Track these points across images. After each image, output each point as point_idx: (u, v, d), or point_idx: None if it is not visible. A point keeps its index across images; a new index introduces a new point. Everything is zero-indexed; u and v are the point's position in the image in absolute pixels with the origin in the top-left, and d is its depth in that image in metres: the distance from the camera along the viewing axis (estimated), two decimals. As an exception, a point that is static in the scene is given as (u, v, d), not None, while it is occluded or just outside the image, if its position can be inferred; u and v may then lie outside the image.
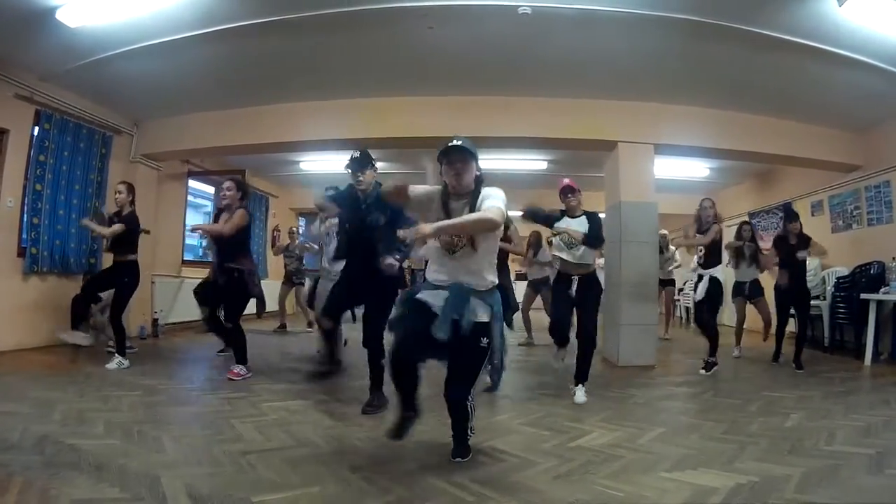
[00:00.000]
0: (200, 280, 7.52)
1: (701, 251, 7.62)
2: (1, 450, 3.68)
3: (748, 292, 9.04)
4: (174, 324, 10.71)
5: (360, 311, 5.41)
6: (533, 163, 11.92)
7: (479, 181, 3.57)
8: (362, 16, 6.08)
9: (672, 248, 11.60)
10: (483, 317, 3.47)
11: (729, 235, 9.02)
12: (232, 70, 7.72)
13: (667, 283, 11.47)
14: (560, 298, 5.99)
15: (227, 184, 6.71)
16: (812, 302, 8.81)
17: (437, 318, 3.34)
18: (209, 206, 13.38)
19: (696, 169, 12.52)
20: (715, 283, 7.43)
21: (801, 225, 7.94)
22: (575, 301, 5.83)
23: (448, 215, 3.46)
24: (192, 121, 9.54)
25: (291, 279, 11.58)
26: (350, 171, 5.24)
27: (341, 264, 5.66)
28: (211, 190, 12.99)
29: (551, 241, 6.42)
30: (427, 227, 3.22)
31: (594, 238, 5.82)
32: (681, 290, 15.37)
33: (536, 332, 10.18)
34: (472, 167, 3.52)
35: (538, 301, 10.28)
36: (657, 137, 8.70)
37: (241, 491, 3.16)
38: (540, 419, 4.95)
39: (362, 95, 8.44)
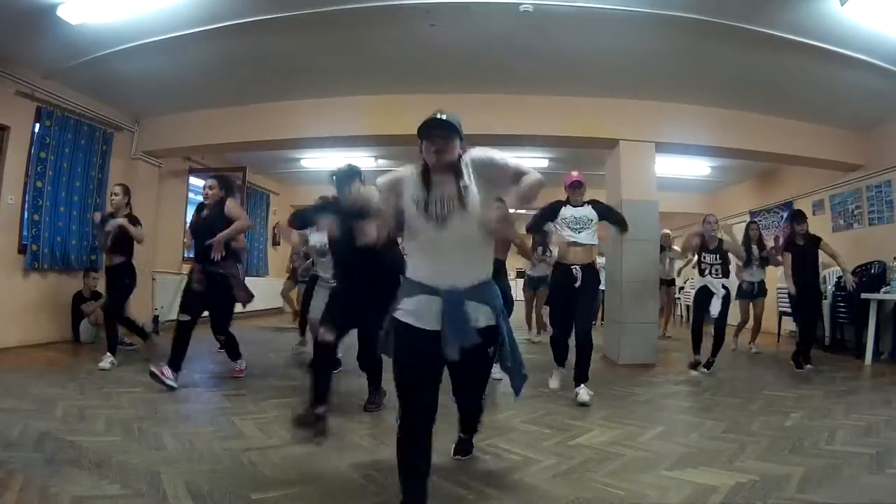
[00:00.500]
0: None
1: (711, 258, 7.52)
2: (1, 447, 3.69)
3: (755, 292, 9.13)
4: (175, 321, 10.70)
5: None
6: (534, 161, 11.85)
7: (461, 158, 3.00)
8: (364, 13, 6.07)
9: (675, 248, 11.58)
10: (486, 321, 2.92)
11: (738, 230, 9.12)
12: (233, 67, 7.72)
13: (668, 282, 11.46)
14: (559, 299, 6.00)
15: (210, 182, 6.29)
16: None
17: (436, 336, 2.79)
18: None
19: (698, 167, 12.48)
20: (728, 296, 7.45)
21: (807, 227, 7.83)
22: (573, 297, 5.81)
23: (429, 190, 2.89)
24: (193, 118, 9.55)
25: (296, 277, 11.47)
26: (336, 185, 4.79)
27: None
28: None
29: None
30: (497, 213, 2.78)
31: (611, 213, 6.22)
32: (681, 288, 15.38)
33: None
34: (456, 146, 2.93)
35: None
36: (658, 136, 8.71)
37: (241, 488, 3.16)
38: (541, 417, 4.95)
39: (364, 93, 8.44)
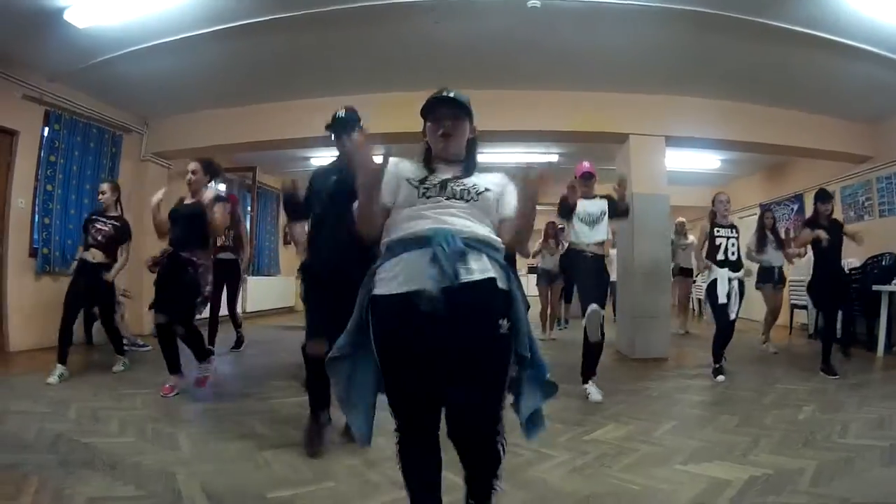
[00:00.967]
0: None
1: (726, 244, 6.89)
2: (16, 449, 3.71)
3: (777, 278, 8.83)
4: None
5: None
6: (544, 156, 11.87)
7: (473, 145, 2.63)
8: (370, 11, 6.07)
9: (691, 236, 11.55)
10: (491, 273, 2.22)
11: (745, 226, 9.02)
12: (241, 67, 7.74)
13: (686, 271, 11.40)
14: (580, 276, 5.92)
15: (192, 165, 5.83)
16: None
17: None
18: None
19: (708, 161, 12.48)
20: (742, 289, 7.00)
21: (832, 208, 7.30)
22: (592, 274, 5.78)
23: (429, 172, 2.44)
24: (201, 118, 9.58)
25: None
26: (333, 135, 4.32)
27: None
28: (222, 187, 13.00)
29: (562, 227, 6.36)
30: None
31: (620, 203, 6.01)
32: (693, 281, 15.32)
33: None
34: (466, 128, 2.56)
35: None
36: (668, 129, 8.71)
37: (255, 487, 3.18)
38: (554, 413, 4.93)
39: (371, 91, 8.42)
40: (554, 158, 11.80)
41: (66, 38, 6.58)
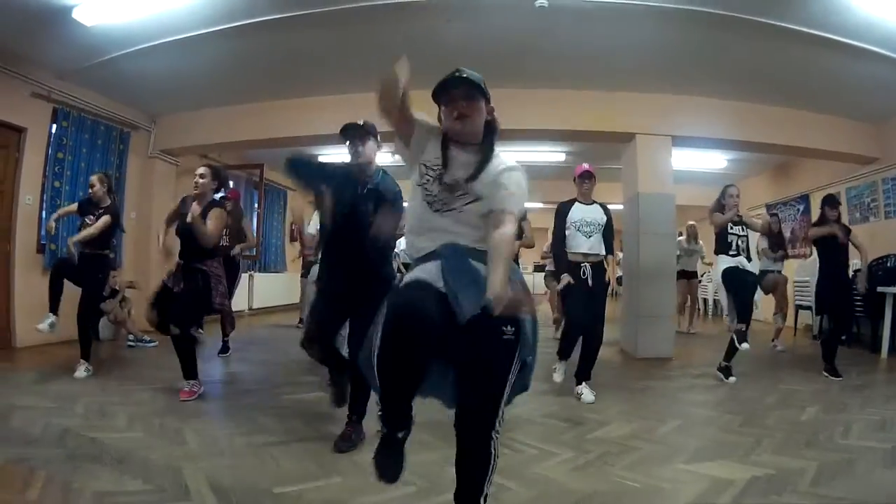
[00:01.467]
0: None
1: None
2: (24, 444, 3.74)
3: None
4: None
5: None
6: (551, 154, 11.91)
7: (492, 130, 2.53)
8: (379, 9, 6.08)
9: (701, 242, 11.57)
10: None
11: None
12: (249, 65, 7.76)
13: (691, 274, 11.42)
14: (575, 294, 5.81)
15: (201, 170, 5.64)
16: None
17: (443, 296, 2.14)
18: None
19: (714, 160, 12.43)
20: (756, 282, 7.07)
21: (839, 214, 7.33)
22: (587, 293, 5.71)
23: (445, 167, 2.43)
24: (209, 116, 9.61)
25: (309, 270, 11.11)
26: (347, 141, 4.13)
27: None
28: (230, 185, 13.05)
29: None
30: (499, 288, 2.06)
31: (609, 230, 5.87)
32: (699, 281, 15.36)
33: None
34: (482, 109, 2.45)
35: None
36: (675, 129, 8.70)
37: (263, 482, 3.21)
38: (558, 411, 4.98)
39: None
40: (561, 157, 11.82)
41: (74, 35, 6.61)
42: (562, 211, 5.92)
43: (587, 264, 5.71)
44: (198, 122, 9.75)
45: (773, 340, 9.10)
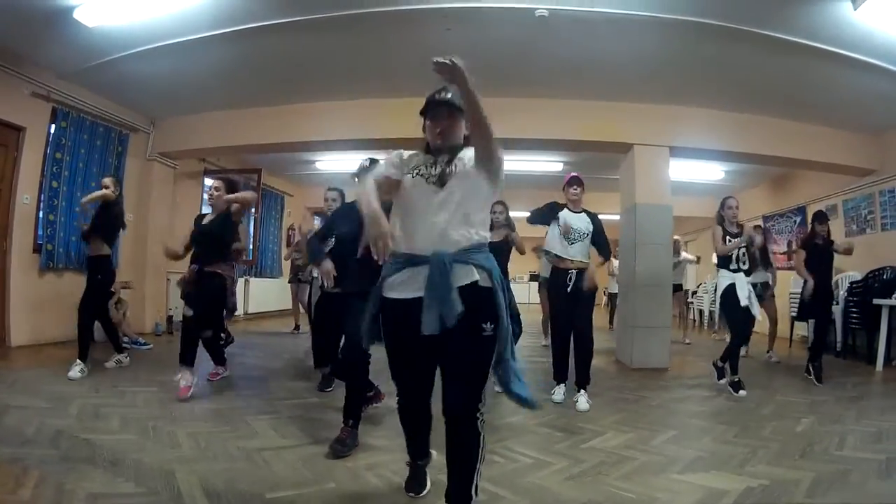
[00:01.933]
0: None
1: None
2: (17, 444, 3.73)
3: (759, 292, 8.85)
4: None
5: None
6: (548, 164, 11.95)
7: (468, 140, 2.84)
8: (379, 17, 6.11)
9: (683, 252, 11.62)
10: (475, 277, 2.65)
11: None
12: (249, 70, 7.77)
13: (676, 287, 11.44)
14: (557, 303, 5.99)
15: (216, 183, 6.12)
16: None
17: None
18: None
19: (712, 171, 12.47)
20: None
21: (829, 229, 7.61)
22: (570, 301, 5.79)
23: (433, 159, 2.83)
24: (208, 119, 9.62)
25: (298, 276, 11.19)
26: (358, 179, 4.65)
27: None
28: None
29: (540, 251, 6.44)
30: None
31: (601, 235, 5.93)
32: (694, 293, 15.42)
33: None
34: (461, 124, 2.85)
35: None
36: (672, 140, 8.71)
37: (255, 487, 3.20)
38: (553, 420, 4.97)
39: (379, 96, 8.47)
40: (558, 167, 11.84)
41: (75, 36, 6.62)
42: (553, 206, 6.04)
43: (573, 270, 5.77)
44: (197, 125, 9.76)
45: (768, 352, 9.14)
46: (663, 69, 7.35)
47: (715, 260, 7.44)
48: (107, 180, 6.83)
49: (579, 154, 10.71)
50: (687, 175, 11.63)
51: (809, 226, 7.67)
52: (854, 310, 9.20)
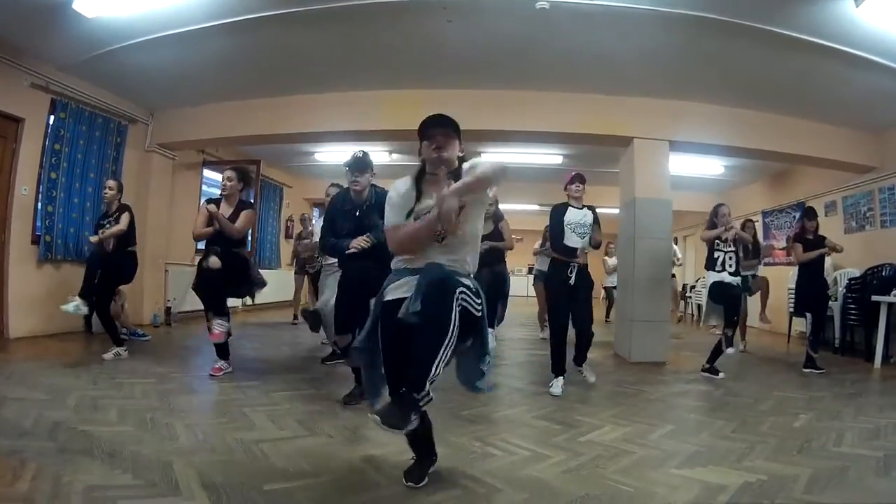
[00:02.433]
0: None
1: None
2: (15, 436, 3.71)
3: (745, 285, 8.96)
4: (187, 312, 10.73)
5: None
6: (548, 157, 11.92)
7: (462, 162, 3.04)
8: (379, 8, 6.09)
9: (674, 247, 11.68)
10: (460, 281, 2.86)
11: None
12: (248, 61, 7.75)
13: None
14: (557, 295, 6.11)
15: (228, 173, 6.33)
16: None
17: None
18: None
19: (712, 166, 12.48)
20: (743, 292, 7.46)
21: (818, 224, 7.88)
22: (570, 295, 5.94)
23: (418, 199, 3.04)
24: (207, 111, 9.60)
25: (304, 267, 11.12)
26: (349, 169, 5.07)
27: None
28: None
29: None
30: (449, 192, 2.70)
31: (596, 224, 6.09)
32: (693, 287, 15.44)
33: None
34: (456, 146, 3.05)
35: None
36: (673, 134, 8.70)
37: (253, 479, 3.18)
38: (551, 413, 4.97)
39: (378, 87, 8.46)
40: (558, 160, 11.83)
41: (74, 27, 6.60)
42: (558, 211, 6.08)
43: (574, 264, 5.91)
44: (195, 116, 9.74)
45: (742, 340, 9.43)
46: (664, 63, 7.35)
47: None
48: (111, 183, 7.00)
49: (579, 147, 10.70)
50: (687, 170, 11.64)
51: (799, 222, 7.96)
52: (852, 306, 9.20)
